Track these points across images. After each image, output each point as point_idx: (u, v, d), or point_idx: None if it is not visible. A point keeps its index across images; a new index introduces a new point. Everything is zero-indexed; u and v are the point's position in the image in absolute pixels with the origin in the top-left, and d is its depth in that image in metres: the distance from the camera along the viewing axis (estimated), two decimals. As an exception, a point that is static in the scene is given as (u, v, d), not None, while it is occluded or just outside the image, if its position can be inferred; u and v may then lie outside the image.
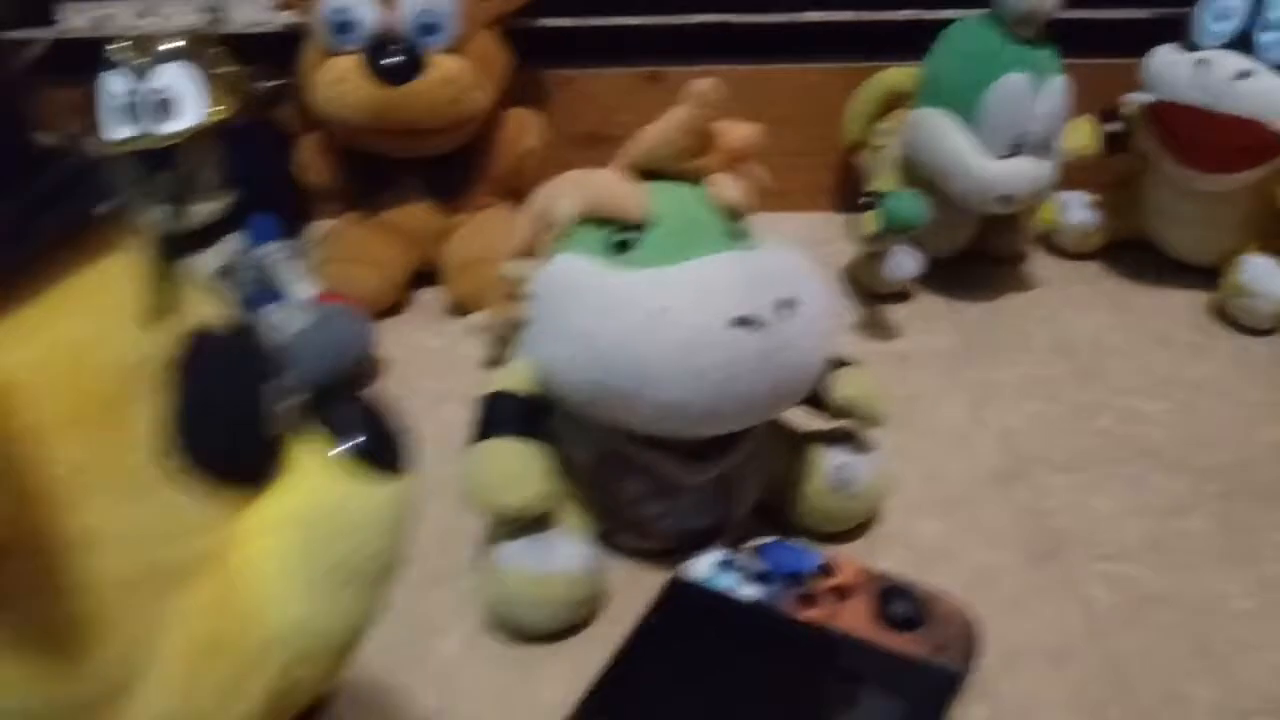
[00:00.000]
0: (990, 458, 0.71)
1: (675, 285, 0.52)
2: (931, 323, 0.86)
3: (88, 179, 0.32)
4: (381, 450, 0.36)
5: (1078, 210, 0.93)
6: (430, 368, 0.81)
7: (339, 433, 0.36)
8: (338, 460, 0.35)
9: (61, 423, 0.30)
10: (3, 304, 0.29)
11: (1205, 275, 0.90)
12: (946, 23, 0.86)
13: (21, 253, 0.29)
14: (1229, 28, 0.81)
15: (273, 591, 0.34)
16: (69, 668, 0.30)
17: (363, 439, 0.36)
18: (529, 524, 0.57)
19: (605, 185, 0.56)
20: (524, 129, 0.90)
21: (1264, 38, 0.80)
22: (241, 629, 0.33)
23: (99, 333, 0.31)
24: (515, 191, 0.92)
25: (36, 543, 0.29)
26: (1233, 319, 0.86)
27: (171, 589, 0.32)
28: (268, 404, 0.35)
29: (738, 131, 0.57)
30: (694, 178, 0.57)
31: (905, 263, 0.85)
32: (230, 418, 0.34)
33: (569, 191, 0.59)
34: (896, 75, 0.94)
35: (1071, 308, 0.88)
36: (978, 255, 0.92)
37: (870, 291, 0.88)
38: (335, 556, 0.34)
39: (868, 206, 0.84)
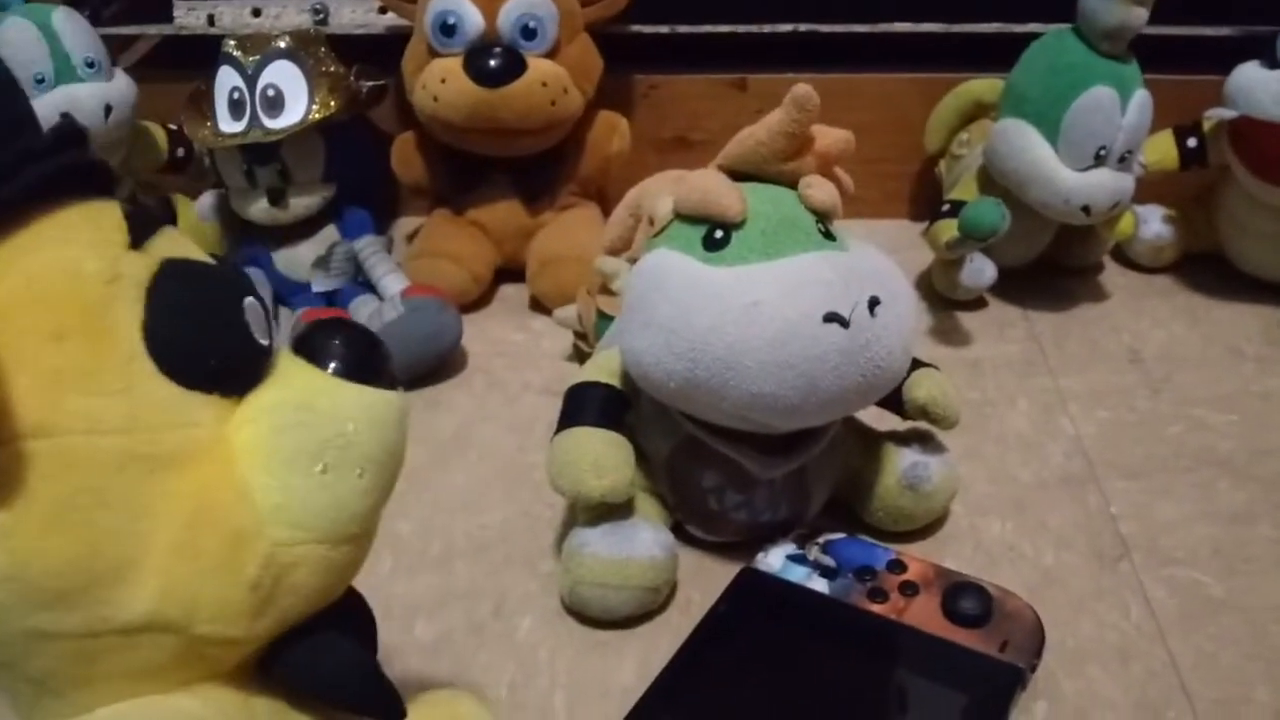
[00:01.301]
0: (1059, 462, 0.72)
1: (769, 280, 0.54)
2: (1005, 330, 0.88)
3: (74, 137, 0.37)
4: (360, 365, 0.39)
5: (1153, 223, 0.94)
6: (512, 361, 0.84)
7: (320, 351, 0.39)
8: (318, 370, 0.39)
9: (45, 334, 0.34)
10: None
11: (1278, 291, 0.90)
12: (1030, 36, 0.87)
13: (11, 191, 0.34)
14: (1313, 46, 0.82)
15: (255, 475, 0.37)
16: (68, 543, 0.34)
17: (341, 358, 0.39)
18: (610, 510, 0.59)
19: (705, 184, 0.57)
20: (612, 132, 0.92)
21: (1350, 56, 0.81)
22: (228, 508, 0.37)
23: (78, 256, 0.35)
24: (599, 192, 0.95)
25: (23, 432, 0.33)
26: (1305, 335, 0.86)
27: (160, 472, 0.36)
28: (239, 317, 0.38)
29: (831, 137, 0.59)
30: (787, 180, 0.59)
31: (985, 270, 0.86)
32: (201, 324, 0.37)
33: (668, 189, 0.61)
34: (980, 86, 0.95)
35: (1144, 319, 0.89)
36: (1053, 265, 0.93)
37: (946, 298, 0.90)
38: (310, 443, 0.38)
39: (948, 214, 0.86)
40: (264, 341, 0.39)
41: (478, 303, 0.91)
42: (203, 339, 0.37)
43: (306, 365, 0.39)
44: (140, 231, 0.37)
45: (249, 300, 0.39)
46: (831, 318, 0.53)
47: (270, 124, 0.82)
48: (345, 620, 0.42)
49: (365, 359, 0.40)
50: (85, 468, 0.34)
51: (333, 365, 0.39)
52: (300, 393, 0.38)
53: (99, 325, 0.35)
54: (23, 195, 0.35)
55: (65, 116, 0.79)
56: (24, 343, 0.34)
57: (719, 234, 0.56)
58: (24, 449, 0.33)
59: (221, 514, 0.37)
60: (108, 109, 0.83)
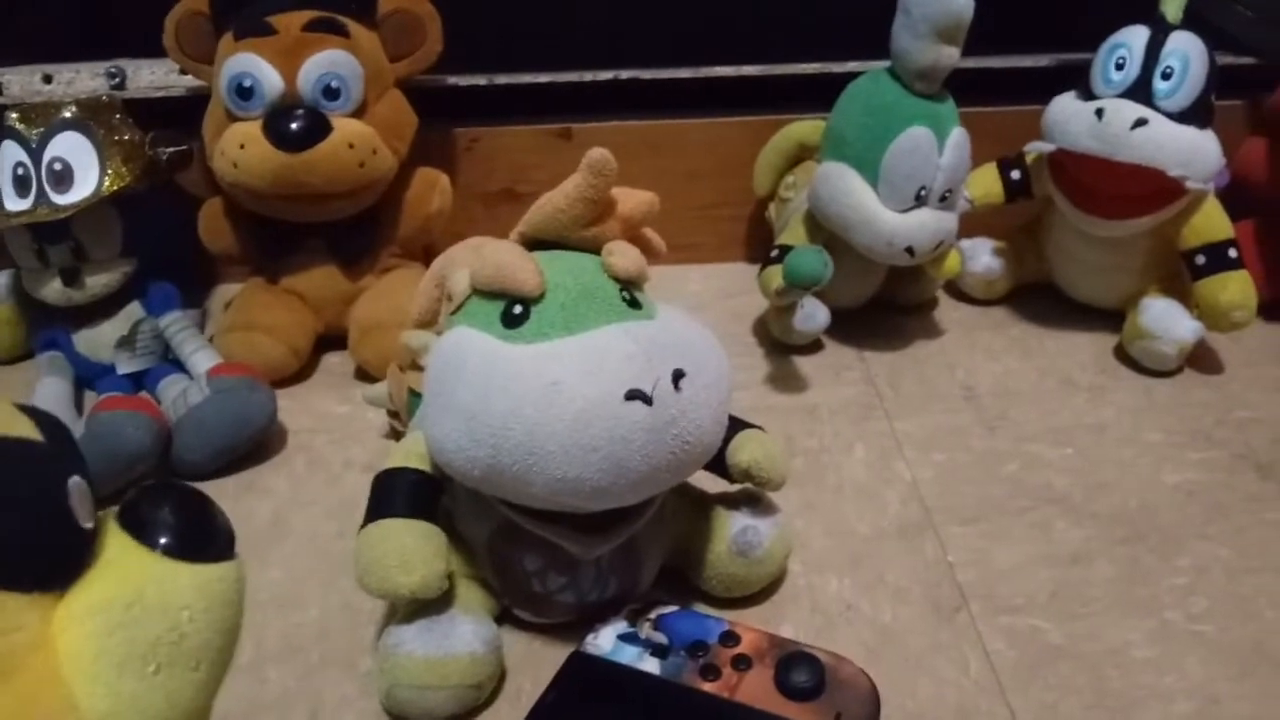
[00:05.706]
0: (896, 510, 0.71)
1: (568, 358, 0.51)
2: (841, 373, 0.86)
3: None
4: (192, 539, 0.37)
5: (983, 257, 0.94)
6: (335, 437, 0.79)
7: (148, 526, 0.36)
8: (147, 551, 0.36)
9: None
10: None
11: (1109, 318, 0.91)
12: (853, 75, 0.86)
13: None
14: (1126, 77, 0.82)
15: (81, 683, 0.34)
16: None
17: (171, 531, 0.36)
18: (427, 604, 0.56)
19: (500, 258, 0.54)
20: (431, 190, 0.89)
21: (1160, 86, 0.81)
22: None
23: None
24: (426, 250, 0.91)
25: None
26: (1135, 361, 0.87)
27: None
28: (64, 502, 0.35)
29: (634, 200, 0.57)
30: (591, 246, 0.57)
31: (816, 315, 0.85)
32: (20, 518, 0.34)
33: (465, 262, 0.58)
34: (803, 128, 0.94)
35: (979, 354, 0.89)
36: (887, 304, 0.93)
37: (782, 343, 0.88)
38: (141, 643, 0.35)
39: (776, 260, 0.84)
40: (88, 525, 0.36)
41: (299, 375, 0.86)
42: (23, 534, 0.34)
43: (134, 544, 0.36)
44: None
45: (74, 480, 0.35)
46: (634, 395, 0.50)
47: (59, 200, 0.77)
48: None
49: (196, 530, 0.37)
50: None
51: (162, 541, 0.36)
52: (129, 585, 0.35)
53: None
54: None
55: None
56: None
57: (518, 309, 0.53)
58: None
59: None
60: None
